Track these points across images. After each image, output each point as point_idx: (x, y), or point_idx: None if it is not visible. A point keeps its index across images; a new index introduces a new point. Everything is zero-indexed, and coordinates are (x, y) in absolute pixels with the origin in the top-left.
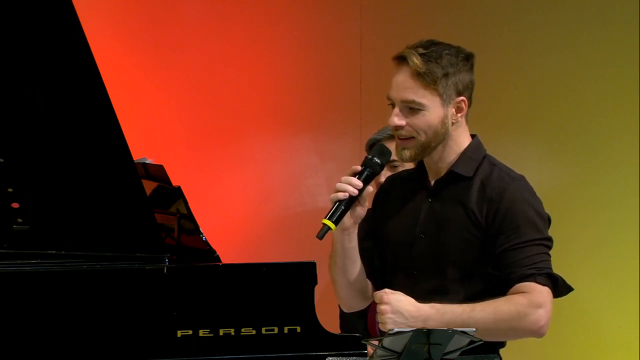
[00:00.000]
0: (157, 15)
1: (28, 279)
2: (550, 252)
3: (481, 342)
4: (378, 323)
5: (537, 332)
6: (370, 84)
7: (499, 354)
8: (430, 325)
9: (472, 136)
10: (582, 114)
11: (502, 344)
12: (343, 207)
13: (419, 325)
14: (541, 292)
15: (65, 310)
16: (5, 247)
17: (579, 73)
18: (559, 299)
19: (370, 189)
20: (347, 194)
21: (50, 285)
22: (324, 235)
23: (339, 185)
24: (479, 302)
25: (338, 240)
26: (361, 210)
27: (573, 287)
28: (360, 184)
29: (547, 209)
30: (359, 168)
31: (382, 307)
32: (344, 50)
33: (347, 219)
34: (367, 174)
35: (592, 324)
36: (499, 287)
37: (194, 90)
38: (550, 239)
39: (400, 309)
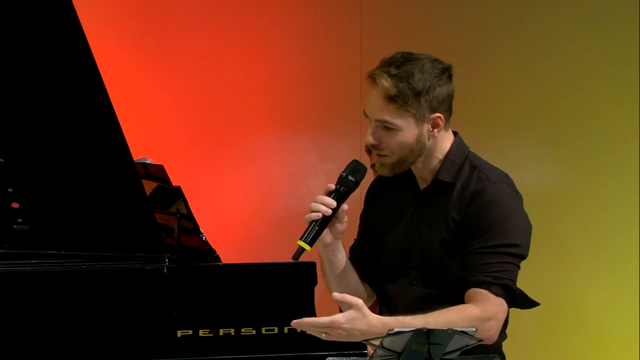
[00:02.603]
0: (157, 16)
1: (28, 279)
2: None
3: (481, 342)
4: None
5: (486, 341)
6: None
7: (502, 353)
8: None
9: (454, 133)
10: (582, 115)
11: (504, 338)
12: (317, 228)
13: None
14: (494, 303)
15: (66, 310)
16: (5, 247)
17: (579, 73)
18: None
19: (346, 206)
20: (320, 214)
21: (50, 285)
22: (299, 257)
23: (313, 205)
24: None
25: (323, 256)
26: (340, 227)
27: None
28: (333, 203)
29: (548, 209)
30: (333, 187)
31: (336, 333)
32: (344, 50)
33: (327, 236)
34: (342, 192)
35: (592, 324)
36: None
37: (194, 90)
38: (520, 246)
39: (354, 332)
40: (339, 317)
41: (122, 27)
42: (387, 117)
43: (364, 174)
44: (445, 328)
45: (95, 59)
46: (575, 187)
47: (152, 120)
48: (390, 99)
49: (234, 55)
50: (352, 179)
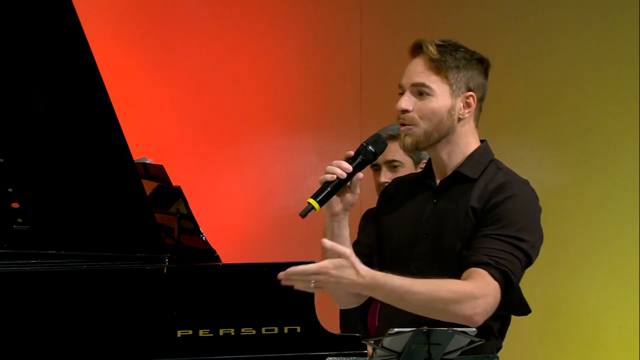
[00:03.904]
0: (157, 15)
1: (28, 279)
2: (537, 262)
3: (481, 342)
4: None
5: (469, 320)
6: (370, 84)
7: (497, 358)
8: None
9: (482, 141)
10: (582, 114)
11: (499, 347)
12: (329, 189)
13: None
14: (488, 284)
15: (66, 310)
16: (5, 247)
17: (579, 73)
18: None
19: (361, 175)
20: (334, 177)
21: (50, 285)
22: (306, 214)
23: (329, 167)
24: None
25: (327, 227)
26: (351, 198)
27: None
28: (349, 168)
29: (547, 209)
30: (352, 153)
31: (325, 279)
32: (344, 50)
33: (337, 204)
34: (359, 160)
35: (592, 324)
36: None
37: (194, 90)
38: (529, 242)
39: (342, 279)
40: (326, 263)
41: (122, 27)
42: (425, 80)
43: (384, 148)
44: (432, 292)
45: (95, 59)
46: (575, 187)
47: (152, 120)
48: (432, 62)
49: (234, 55)
50: (372, 149)
